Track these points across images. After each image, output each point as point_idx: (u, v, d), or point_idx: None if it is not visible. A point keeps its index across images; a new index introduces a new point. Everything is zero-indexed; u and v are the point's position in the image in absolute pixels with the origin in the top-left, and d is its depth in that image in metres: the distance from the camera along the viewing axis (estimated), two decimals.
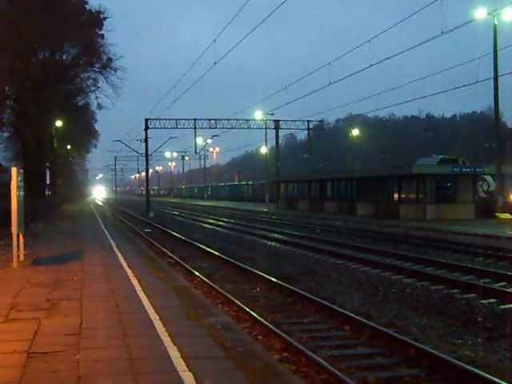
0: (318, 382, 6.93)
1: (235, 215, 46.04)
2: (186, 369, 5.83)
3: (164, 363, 6.05)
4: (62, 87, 43.61)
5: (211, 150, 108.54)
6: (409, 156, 76.74)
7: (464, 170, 32.66)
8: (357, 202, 37.80)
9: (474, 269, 15.00)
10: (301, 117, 59.65)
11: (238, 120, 55.58)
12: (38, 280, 11.78)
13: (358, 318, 9.70)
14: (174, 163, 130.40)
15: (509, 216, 26.89)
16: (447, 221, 28.29)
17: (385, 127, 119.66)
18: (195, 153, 66.42)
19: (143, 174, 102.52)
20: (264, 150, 66.52)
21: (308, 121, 57.80)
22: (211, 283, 13.42)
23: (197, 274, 14.92)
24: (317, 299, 11.28)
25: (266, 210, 49.59)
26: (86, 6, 39.83)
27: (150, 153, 54.89)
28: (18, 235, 14.35)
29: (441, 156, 39.01)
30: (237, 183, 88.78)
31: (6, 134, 43.32)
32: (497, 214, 27.43)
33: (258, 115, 56.16)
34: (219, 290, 12.58)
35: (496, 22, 27.93)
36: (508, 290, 11.79)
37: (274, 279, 13.72)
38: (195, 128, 54.57)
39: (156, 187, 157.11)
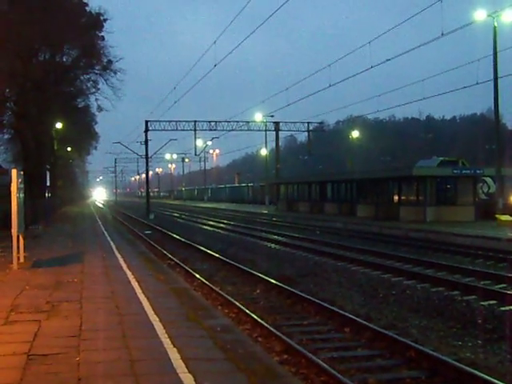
0: None
1: (235, 217, 46.04)
2: (186, 370, 5.83)
3: (164, 365, 6.05)
4: (62, 89, 43.57)
5: (211, 151, 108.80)
6: (409, 158, 76.81)
7: (464, 171, 32.68)
8: (357, 203, 37.81)
9: (474, 271, 14.99)
10: (301, 118, 59.78)
11: (238, 122, 55.67)
12: (38, 282, 11.78)
13: (358, 319, 9.70)
14: (174, 165, 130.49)
15: (509, 218, 26.87)
16: (447, 223, 28.29)
17: (385, 129, 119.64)
18: (195, 155, 66.23)
19: (143, 175, 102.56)
20: (264, 151, 66.58)
21: (308, 122, 57.91)
22: (211, 285, 13.42)
23: (197, 275, 14.92)
24: (317, 301, 11.28)
25: (266, 211, 49.59)
26: (86, 8, 39.89)
27: (150, 155, 54.92)
28: (18, 237, 14.35)
29: (441, 158, 38.96)
30: (237, 185, 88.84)
31: (6, 136, 43.33)
32: (497, 216, 27.41)
33: (258, 117, 56.20)
34: (219, 291, 12.57)
35: (496, 24, 27.94)
36: (508, 292, 11.78)
37: (274, 281, 13.71)
38: (195, 130, 54.63)
39: (156, 189, 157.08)
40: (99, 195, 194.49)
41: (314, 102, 58.87)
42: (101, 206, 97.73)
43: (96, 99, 44.66)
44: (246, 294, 12.90)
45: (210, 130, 55.25)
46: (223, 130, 55.87)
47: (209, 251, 20.60)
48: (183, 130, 54.27)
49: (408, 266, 16.47)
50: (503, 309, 10.85)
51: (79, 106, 50.48)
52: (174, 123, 53.27)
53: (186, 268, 16.40)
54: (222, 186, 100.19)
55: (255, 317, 9.95)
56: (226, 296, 11.99)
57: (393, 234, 26.39)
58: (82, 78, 44.32)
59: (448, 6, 25.49)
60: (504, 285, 13.13)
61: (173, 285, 11.66)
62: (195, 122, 54.21)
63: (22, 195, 14.94)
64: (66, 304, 9.38)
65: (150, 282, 11.92)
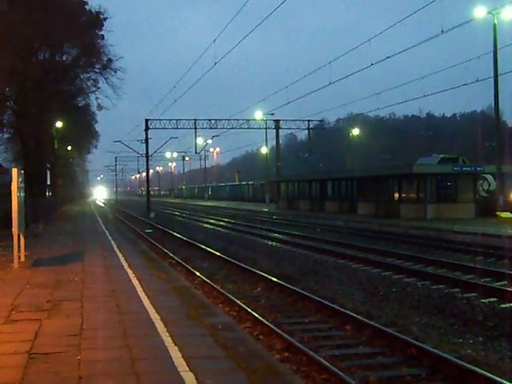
0: (319, 381, 6.93)
1: (236, 215, 46.04)
2: (187, 369, 5.83)
3: (165, 363, 6.06)
4: (62, 88, 43.60)
5: (211, 150, 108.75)
6: (409, 155, 76.74)
7: (464, 169, 32.66)
8: (357, 201, 37.80)
9: (474, 268, 14.98)
10: (301, 116, 59.93)
11: (238, 120, 55.65)
12: (39, 281, 11.79)
13: (358, 317, 9.70)
14: (174, 163, 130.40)
15: (509, 215, 26.87)
16: (448, 220, 28.28)
17: (385, 126, 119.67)
18: (195, 153, 66.38)
19: (144, 174, 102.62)
20: (264, 149, 66.53)
21: (308, 120, 57.82)
22: (212, 283, 13.42)
23: (198, 274, 14.93)
24: (317, 299, 11.28)
25: (266, 209, 49.60)
26: (86, 7, 39.89)
27: (150, 153, 54.92)
28: (18, 236, 14.36)
29: (441, 155, 38.97)
30: (237, 183, 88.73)
31: (6, 135, 43.38)
32: (497, 213, 27.41)
33: (259, 115, 56.15)
34: (220, 290, 12.58)
35: (496, 21, 27.92)
36: (508, 289, 11.78)
37: (274, 279, 13.72)
38: (195, 128, 54.64)
39: (156, 188, 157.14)
40: (100, 194, 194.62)
41: (314, 99, 58.61)
42: (101, 204, 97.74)
43: (96, 98, 44.75)
44: (247, 292, 12.90)
45: (211, 128, 55.25)
46: (223, 129, 55.89)
47: (209, 249, 20.61)
48: (183, 128, 54.29)
49: (408, 263, 16.47)
50: (503, 306, 10.85)
51: (79, 104, 50.51)
52: (174, 121, 53.27)
53: (187, 266, 16.40)
54: (223, 184, 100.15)
55: (256, 315, 9.95)
56: (227, 294, 11.99)
57: (393, 231, 26.39)
58: (81, 76, 44.37)
59: (448, 3, 25.52)
60: (504, 282, 13.13)
61: (174, 283, 11.67)
62: (195, 120, 54.25)
63: (22, 194, 14.96)
64: (67, 303, 9.39)
65: (150, 280, 11.93)
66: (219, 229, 33.18)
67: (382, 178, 35.11)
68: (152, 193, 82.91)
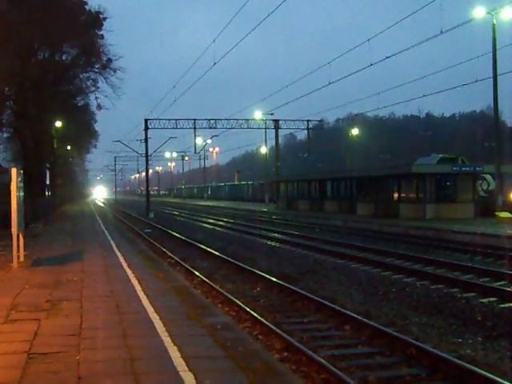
0: (319, 381, 6.93)
1: (235, 215, 46.04)
2: (187, 369, 5.83)
3: (164, 363, 6.06)
4: (61, 88, 43.61)
5: (211, 149, 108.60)
6: (408, 155, 76.69)
7: (463, 169, 32.66)
8: (356, 201, 37.80)
9: (473, 268, 15.00)
10: (300, 116, 59.88)
11: (237, 120, 55.60)
12: (38, 281, 11.78)
13: (358, 317, 9.70)
14: (173, 163, 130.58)
15: (508, 215, 26.89)
16: (447, 220, 28.30)
17: (384, 126, 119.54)
18: (195, 153, 66.39)
19: (143, 174, 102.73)
20: (264, 149, 66.54)
21: (308, 120, 57.80)
22: (211, 283, 13.42)
23: (197, 273, 14.93)
24: (317, 299, 11.28)
25: (265, 209, 49.59)
26: (86, 7, 39.91)
27: (149, 153, 54.89)
28: (17, 236, 14.35)
29: (440, 155, 38.91)
30: (237, 183, 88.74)
31: (5, 135, 43.40)
32: (496, 213, 27.43)
33: (258, 115, 56.16)
34: (219, 289, 12.58)
35: (495, 21, 27.93)
36: (508, 289, 11.80)
37: (274, 279, 13.72)
38: (195, 128, 54.59)
39: (156, 187, 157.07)
40: (99, 194, 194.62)
41: (314, 99, 58.59)
42: (101, 204, 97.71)
43: (96, 98, 44.78)
44: (246, 292, 12.90)
45: (210, 128, 55.20)
46: (223, 128, 55.87)
47: (209, 249, 20.61)
48: (183, 128, 54.25)
49: (408, 263, 16.48)
50: (502, 306, 10.86)
51: (79, 104, 50.52)
52: (173, 121, 53.23)
53: (186, 266, 16.40)
54: (222, 184, 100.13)
55: (255, 315, 9.95)
56: (226, 294, 11.99)
57: (392, 231, 26.40)
58: (81, 76, 44.43)
59: (447, 3, 25.57)
60: (503, 282, 13.14)
61: (173, 283, 11.67)
62: (195, 120, 54.20)
63: (21, 194, 14.94)
64: (66, 303, 9.39)
65: (150, 280, 11.92)
66: (218, 228, 33.19)
67: (381, 178, 35.11)
68: (151, 193, 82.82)
